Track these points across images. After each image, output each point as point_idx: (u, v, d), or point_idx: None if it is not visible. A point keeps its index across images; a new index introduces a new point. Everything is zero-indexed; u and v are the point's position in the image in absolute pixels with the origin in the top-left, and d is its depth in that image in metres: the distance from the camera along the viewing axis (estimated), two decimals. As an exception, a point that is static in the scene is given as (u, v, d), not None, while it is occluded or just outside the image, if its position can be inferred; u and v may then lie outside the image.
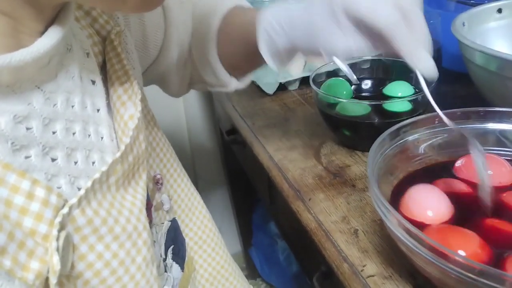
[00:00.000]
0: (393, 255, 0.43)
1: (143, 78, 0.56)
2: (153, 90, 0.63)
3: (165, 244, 0.45)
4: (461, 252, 0.34)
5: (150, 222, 0.42)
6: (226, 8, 0.55)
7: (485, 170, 0.40)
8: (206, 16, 0.55)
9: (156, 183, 0.46)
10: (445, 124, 0.46)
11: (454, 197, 0.41)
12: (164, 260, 0.45)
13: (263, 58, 0.47)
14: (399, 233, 0.34)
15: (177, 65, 0.57)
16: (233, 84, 0.58)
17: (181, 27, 0.55)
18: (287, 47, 0.45)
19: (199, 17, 0.56)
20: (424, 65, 0.37)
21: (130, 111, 0.38)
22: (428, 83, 0.41)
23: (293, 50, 0.45)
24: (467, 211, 0.40)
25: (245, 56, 0.54)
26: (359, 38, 0.39)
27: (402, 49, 0.37)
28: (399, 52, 0.37)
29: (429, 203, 0.40)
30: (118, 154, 0.34)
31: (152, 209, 0.44)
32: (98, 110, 0.37)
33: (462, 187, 0.42)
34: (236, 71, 0.58)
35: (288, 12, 0.44)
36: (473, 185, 0.43)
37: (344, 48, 0.40)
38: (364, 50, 0.40)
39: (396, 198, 0.42)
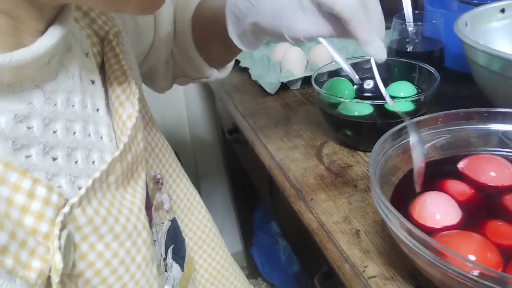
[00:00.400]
0: (394, 256, 0.43)
1: None
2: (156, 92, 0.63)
3: (165, 243, 0.45)
4: (470, 256, 0.34)
5: (151, 221, 0.42)
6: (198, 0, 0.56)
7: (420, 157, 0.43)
8: (181, 11, 0.56)
9: (156, 183, 0.46)
10: (447, 125, 0.46)
11: (459, 199, 0.40)
12: (165, 259, 0.45)
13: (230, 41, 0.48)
14: (401, 234, 0.34)
15: (164, 63, 0.58)
16: (214, 74, 0.59)
17: (168, 23, 0.56)
18: (252, 28, 0.45)
19: (176, 12, 0.57)
20: (374, 49, 0.41)
21: (128, 110, 0.38)
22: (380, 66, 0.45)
23: (258, 31, 0.46)
24: (472, 213, 0.40)
25: (218, 42, 0.54)
26: (320, 21, 0.41)
27: (357, 34, 0.40)
28: (354, 36, 0.40)
29: (439, 210, 0.39)
30: (117, 153, 0.34)
31: (153, 208, 0.44)
32: (97, 110, 0.37)
33: (466, 189, 0.42)
34: (215, 60, 0.59)
35: None
36: (477, 185, 0.42)
37: (305, 31, 0.42)
38: (324, 33, 0.42)
39: (397, 199, 0.41)
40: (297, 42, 0.43)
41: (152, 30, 0.54)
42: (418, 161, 0.43)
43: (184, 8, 0.56)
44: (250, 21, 0.45)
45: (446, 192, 0.41)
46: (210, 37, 0.55)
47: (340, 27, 0.40)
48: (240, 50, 0.50)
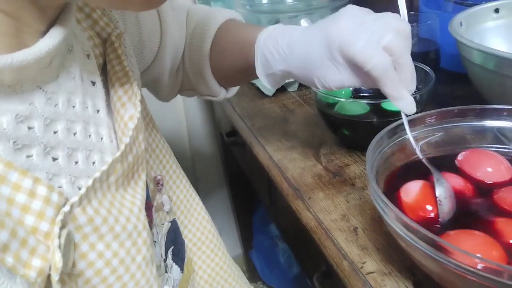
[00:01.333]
0: (392, 252, 0.44)
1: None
2: (154, 92, 0.63)
3: (165, 245, 0.46)
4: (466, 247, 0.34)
5: (151, 222, 0.42)
6: (219, 23, 0.56)
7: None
8: (200, 30, 0.57)
9: (156, 184, 0.46)
10: (441, 122, 0.47)
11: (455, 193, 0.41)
12: (165, 260, 0.45)
13: (255, 74, 0.50)
14: (397, 228, 0.35)
15: (170, 72, 0.58)
16: (222, 94, 0.60)
17: (177, 35, 0.56)
18: (282, 72, 0.47)
19: (193, 31, 0.57)
20: (403, 105, 0.42)
21: (130, 111, 0.38)
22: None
23: (288, 75, 0.48)
24: (465, 208, 0.40)
25: (237, 71, 0.55)
26: (351, 74, 0.42)
27: (387, 91, 0.41)
28: (384, 92, 0.42)
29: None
30: (118, 154, 0.35)
31: (153, 209, 0.44)
32: (98, 111, 0.38)
33: (460, 183, 0.42)
34: (227, 83, 0.60)
35: (287, 38, 0.46)
36: (472, 180, 0.43)
37: (338, 83, 0.43)
38: (355, 85, 0.43)
39: (392, 193, 0.42)
40: (329, 90, 0.45)
41: (157, 41, 0.54)
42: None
43: (202, 28, 0.57)
44: (281, 68, 0.46)
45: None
46: (229, 66, 0.56)
47: (371, 80, 0.42)
48: (256, 78, 0.51)
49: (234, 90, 0.63)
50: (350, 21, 0.41)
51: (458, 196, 0.41)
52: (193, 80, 0.59)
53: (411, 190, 0.41)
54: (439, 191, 0.40)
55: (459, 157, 0.46)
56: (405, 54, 0.41)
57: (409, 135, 0.44)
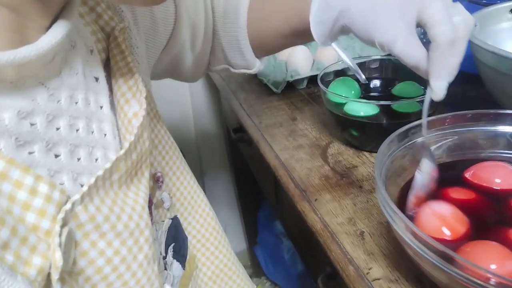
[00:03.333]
0: (399, 258, 0.43)
1: (156, 68, 0.56)
2: (162, 89, 0.63)
3: (165, 242, 0.45)
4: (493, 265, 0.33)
5: (151, 220, 0.42)
6: None
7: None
8: (232, 2, 0.55)
9: (156, 181, 0.46)
10: (455, 126, 0.46)
11: (466, 207, 0.40)
12: (164, 258, 0.45)
13: (299, 37, 0.48)
14: (406, 236, 0.34)
15: (191, 49, 0.57)
16: (257, 66, 0.59)
17: (192, 9, 0.55)
18: (343, 13, 0.44)
19: (225, 4, 0.56)
20: (439, 86, 0.41)
21: (134, 108, 0.38)
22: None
23: (345, 30, 0.44)
24: (480, 221, 0.39)
25: (283, 35, 0.53)
26: (410, 35, 0.40)
27: (436, 65, 0.40)
28: (432, 65, 0.40)
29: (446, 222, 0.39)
30: (122, 152, 0.34)
31: (152, 207, 0.44)
32: (101, 107, 0.37)
33: (472, 196, 0.41)
34: (266, 51, 0.58)
35: None
36: (484, 192, 0.42)
37: (394, 38, 0.41)
38: (405, 48, 0.41)
39: (403, 201, 0.41)
40: (381, 46, 0.42)
41: (172, 18, 0.53)
42: (424, 178, 0.42)
43: (236, 1, 0.55)
44: (343, 8, 0.43)
45: (452, 201, 0.40)
46: (275, 31, 0.54)
47: (424, 54, 0.40)
48: (299, 42, 0.50)
49: (265, 60, 0.61)
50: None
51: (471, 208, 0.40)
52: (229, 54, 0.58)
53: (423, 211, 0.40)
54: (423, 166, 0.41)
55: (467, 173, 0.45)
56: (466, 39, 0.40)
57: (424, 119, 0.43)
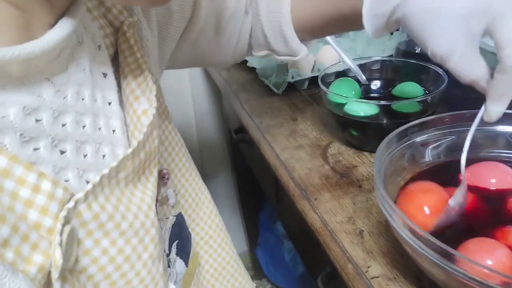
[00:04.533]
0: (398, 256, 0.43)
1: (177, 57, 0.54)
2: (164, 90, 0.63)
3: (169, 239, 0.45)
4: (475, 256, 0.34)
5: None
6: None
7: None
8: None
9: (162, 178, 0.46)
10: (454, 126, 0.46)
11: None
12: (168, 255, 0.45)
13: (350, 24, 0.44)
14: (404, 234, 0.34)
15: (214, 32, 0.54)
16: (303, 53, 0.55)
17: None
18: (399, 9, 0.38)
19: None
20: (496, 110, 0.37)
21: (144, 106, 0.37)
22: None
23: (404, 17, 0.38)
24: (477, 221, 0.39)
25: (328, 20, 0.49)
26: (469, 53, 0.36)
27: (500, 90, 0.36)
28: (494, 89, 0.36)
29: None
30: (129, 151, 0.34)
31: (157, 204, 0.44)
32: (109, 103, 0.37)
33: (470, 198, 0.41)
34: (310, 35, 0.54)
35: None
36: (482, 192, 0.42)
37: (446, 51, 0.36)
38: (459, 67, 0.36)
39: (402, 200, 0.41)
40: (433, 57, 0.37)
41: (190, 5, 0.50)
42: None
43: None
44: (397, 13, 0.38)
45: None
46: (322, 15, 0.50)
47: (481, 72, 0.36)
48: (347, 30, 0.45)
49: (313, 44, 0.57)
50: None
51: (469, 209, 0.40)
52: (272, 40, 0.54)
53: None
54: (454, 200, 0.38)
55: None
56: None
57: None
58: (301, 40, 0.54)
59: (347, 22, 0.46)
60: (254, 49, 0.58)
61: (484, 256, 0.34)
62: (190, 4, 0.50)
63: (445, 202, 0.39)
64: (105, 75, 0.37)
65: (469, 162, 0.45)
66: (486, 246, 0.35)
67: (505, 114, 0.45)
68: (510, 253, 0.35)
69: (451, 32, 0.35)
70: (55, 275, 0.28)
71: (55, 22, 0.32)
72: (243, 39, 0.57)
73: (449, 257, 0.31)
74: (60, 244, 0.28)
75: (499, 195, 0.41)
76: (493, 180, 0.43)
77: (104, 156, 0.35)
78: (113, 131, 0.37)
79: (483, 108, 0.38)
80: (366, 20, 0.40)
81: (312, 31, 0.53)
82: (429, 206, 0.39)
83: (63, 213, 0.29)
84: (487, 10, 0.35)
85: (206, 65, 0.60)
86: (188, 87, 1.20)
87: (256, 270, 1.44)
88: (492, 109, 0.37)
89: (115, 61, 0.39)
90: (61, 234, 0.28)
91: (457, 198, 0.39)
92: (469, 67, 0.36)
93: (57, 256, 0.28)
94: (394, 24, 0.40)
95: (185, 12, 0.50)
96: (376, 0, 0.39)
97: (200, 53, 0.56)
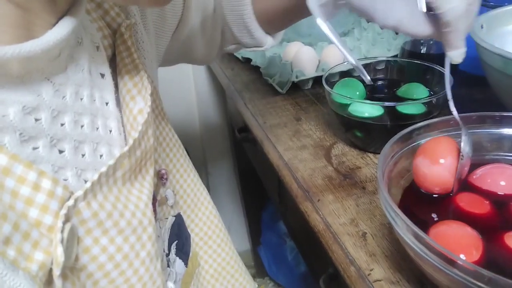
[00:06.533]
0: (401, 260, 0.43)
1: (168, 55, 0.56)
2: (167, 88, 0.63)
3: (168, 239, 0.45)
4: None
5: (154, 217, 0.42)
6: None
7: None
8: None
9: (160, 178, 0.46)
10: (459, 128, 0.45)
11: (472, 216, 0.40)
12: (167, 255, 0.45)
13: (301, 11, 0.47)
14: (408, 238, 0.34)
15: (201, 30, 0.56)
16: (269, 43, 0.58)
17: None
18: (340, 3, 0.43)
19: None
20: (458, 54, 0.41)
21: (140, 105, 0.38)
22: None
23: (345, 5, 0.43)
24: (486, 226, 0.39)
25: (285, 11, 0.53)
26: (416, 15, 0.40)
27: (450, 39, 0.40)
28: (445, 39, 0.40)
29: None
30: (126, 148, 0.34)
31: (156, 204, 0.44)
32: (106, 104, 0.37)
33: (479, 203, 0.41)
34: (274, 27, 0.57)
35: None
36: (490, 196, 0.41)
37: (399, 22, 0.40)
38: (412, 29, 0.40)
39: (406, 203, 0.41)
40: (385, 28, 0.42)
41: (180, 3, 0.53)
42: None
43: None
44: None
45: (460, 210, 0.40)
46: (277, 6, 0.53)
47: (434, 27, 0.40)
48: (302, 17, 0.49)
49: (280, 35, 0.60)
50: None
51: (477, 214, 0.39)
52: (236, 32, 0.58)
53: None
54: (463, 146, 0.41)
55: (473, 176, 0.44)
56: (476, 5, 0.39)
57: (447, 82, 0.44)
58: (267, 32, 0.57)
59: (301, 12, 0.49)
60: (223, 45, 0.61)
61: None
62: (181, 3, 0.52)
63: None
64: (103, 75, 0.38)
65: (475, 165, 0.45)
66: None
67: (510, 117, 0.45)
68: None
69: (391, 5, 0.40)
70: (56, 272, 0.28)
71: (57, 22, 0.32)
72: (218, 35, 0.60)
73: (453, 262, 0.31)
74: (62, 242, 0.29)
75: (508, 199, 0.41)
76: (502, 183, 0.42)
77: (101, 156, 0.35)
78: (110, 131, 0.37)
79: (447, 58, 0.42)
80: (313, 10, 0.43)
81: (271, 23, 0.56)
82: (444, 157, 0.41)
83: (64, 211, 0.29)
84: None
85: (193, 62, 0.62)
86: (192, 86, 1.20)
87: (259, 269, 1.44)
88: (455, 55, 0.41)
89: (113, 62, 0.40)
90: (62, 231, 0.29)
91: (465, 148, 0.42)
92: (420, 28, 0.40)
93: (59, 253, 0.28)
94: (338, 9, 0.44)
95: (176, 11, 0.52)
96: None
97: (189, 51, 0.59)
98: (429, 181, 0.42)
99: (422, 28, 0.40)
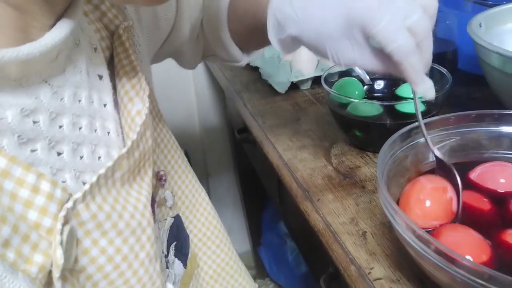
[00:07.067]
0: (401, 258, 0.43)
1: (158, 55, 0.57)
2: (167, 90, 0.63)
3: (167, 240, 0.45)
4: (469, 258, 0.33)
5: (153, 218, 0.42)
6: None
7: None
8: None
9: (159, 180, 0.46)
10: (458, 127, 0.46)
11: (470, 211, 0.40)
12: (166, 256, 0.45)
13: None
14: (407, 237, 0.34)
15: (189, 40, 0.57)
16: (245, 60, 0.59)
17: (192, 2, 0.55)
18: (293, 38, 0.43)
19: None
20: (424, 89, 0.39)
21: (138, 106, 0.38)
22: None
23: (299, 42, 0.44)
24: (486, 223, 0.39)
25: (252, 33, 0.54)
26: (368, 55, 0.39)
27: (407, 75, 0.38)
28: (404, 76, 0.38)
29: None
30: (124, 150, 0.34)
31: (155, 205, 0.44)
32: (105, 105, 0.37)
33: (479, 201, 0.41)
34: (248, 47, 0.58)
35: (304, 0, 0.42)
36: (490, 194, 0.41)
37: (350, 62, 0.40)
38: (370, 67, 0.40)
39: (405, 201, 0.41)
40: (339, 66, 0.42)
41: (173, 12, 0.53)
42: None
43: None
44: (292, 33, 0.43)
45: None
46: (244, 28, 0.54)
47: (388, 63, 0.39)
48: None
49: (257, 54, 0.61)
50: (374, 0, 0.37)
51: (476, 210, 0.39)
52: (213, 46, 0.59)
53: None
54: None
55: (473, 174, 0.44)
56: (429, 35, 0.38)
57: (424, 131, 0.42)
58: (244, 50, 0.58)
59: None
60: (204, 54, 0.62)
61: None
62: (173, 12, 0.53)
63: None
64: (100, 77, 0.38)
65: (474, 164, 0.45)
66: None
67: (509, 115, 0.45)
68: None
69: (340, 46, 0.40)
70: (56, 274, 0.28)
71: (54, 24, 0.32)
72: (201, 45, 0.61)
73: (453, 260, 0.31)
74: (61, 244, 0.29)
75: (508, 197, 0.41)
76: (502, 181, 0.42)
77: (99, 157, 0.35)
78: (108, 133, 0.37)
79: (415, 95, 0.41)
80: (273, 43, 0.45)
81: (247, 44, 0.57)
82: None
83: (63, 213, 0.29)
84: (353, 22, 0.38)
85: (179, 64, 0.63)
86: (191, 88, 1.20)
87: (259, 270, 1.44)
88: (421, 90, 0.39)
89: (110, 64, 0.40)
90: (61, 234, 0.29)
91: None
92: (375, 66, 0.40)
93: (58, 255, 0.28)
94: (295, 46, 0.45)
95: (169, 20, 0.53)
96: (275, 27, 0.44)
97: (179, 56, 0.60)
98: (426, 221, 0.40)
99: (377, 67, 0.40)
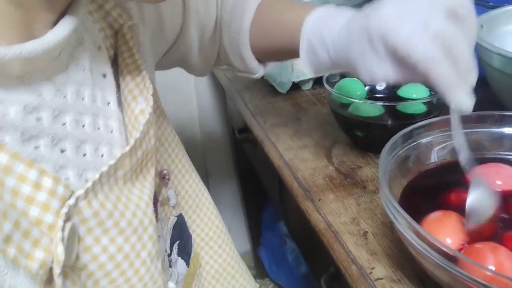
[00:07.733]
0: (402, 258, 0.43)
1: (163, 62, 0.56)
2: (168, 89, 0.63)
3: (170, 239, 0.45)
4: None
5: (156, 217, 0.42)
6: (258, 0, 0.54)
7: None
8: (239, 8, 0.54)
9: (162, 178, 0.46)
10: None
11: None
12: (169, 255, 0.45)
13: (294, 54, 0.48)
14: (409, 236, 0.34)
15: (199, 48, 0.56)
16: (261, 72, 0.58)
17: (202, 10, 0.54)
18: (328, 63, 0.44)
19: (232, 8, 0.55)
20: (458, 98, 0.36)
21: (141, 105, 0.38)
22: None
23: (335, 67, 0.45)
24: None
25: (280, 51, 0.53)
26: (398, 68, 0.38)
27: (438, 85, 0.35)
28: (435, 86, 0.36)
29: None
30: (127, 148, 0.34)
31: (158, 204, 0.44)
32: (108, 104, 0.37)
33: None
34: (267, 60, 0.58)
35: (333, 26, 0.43)
36: None
37: (383, 77, 0.39)
38: (402, 80, 0.38)
39: (406, 201, 0.41)
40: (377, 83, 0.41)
41: (179, 18, 0.52)
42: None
43: (243, 8, 0.54)
44: (327, 59, 0.43)
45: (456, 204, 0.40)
46: (272, 46, 0.53)
47: (419, 74, 0.36)
48: (295, 58, 0.50)
49: (271, 65, 0.60)
50: (393, 8, 0.36)
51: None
52: (231, 57, 0.58)
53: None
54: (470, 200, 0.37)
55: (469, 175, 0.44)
56: (459, 40, 0.35)
57: (461, 138, 0.39)
58: (260, 61, 0.57)
59: (297, 55, 0.49)
60: (216, 62, 0.61)
61: (489, 259, 0.33)
62: (180, 18, 0.52)
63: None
64: (104, 75, 0.38)
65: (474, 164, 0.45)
66: (490, 250, 0.35)
67: (510, 116, 0.45)
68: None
69: (369, 64, 0.39)
70: (57, 270, 0.28)
71: (57, 20, 0.32)
72: (215, 54, 0.60)
73: (454, 260, 0.31)
74: (62, 240, 0.29)
75: (505, 197, 0.41)
76: (498, 182, 0.42)
77: (102, 155, 0.35)
78: (111, 131, 0.37)
79: (451, 109, 0.38)
80: (307, 66, 0.46)
81: (268, 58, 0.57)
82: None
83: (64, 209, 0.29)
84: (371, 34, 0.37)
85: (188, 71, 0.62)
86: (192, 87, 1.20)
87: (259, 270, 1.44)
88: (455, 99, 0.36)
89: (114, 62, 0.40)
90: (62, 230, 0.29)
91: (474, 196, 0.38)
92: (407, 77, 0.38)
93: (59, 252, 0.28)
94: (330, 69, 0.47)
95: (175, 25, 0.52)
96: (308, 53, 0.45)
97: (186, 63, 0.59)
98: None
99: (405, 79, 0.38)
